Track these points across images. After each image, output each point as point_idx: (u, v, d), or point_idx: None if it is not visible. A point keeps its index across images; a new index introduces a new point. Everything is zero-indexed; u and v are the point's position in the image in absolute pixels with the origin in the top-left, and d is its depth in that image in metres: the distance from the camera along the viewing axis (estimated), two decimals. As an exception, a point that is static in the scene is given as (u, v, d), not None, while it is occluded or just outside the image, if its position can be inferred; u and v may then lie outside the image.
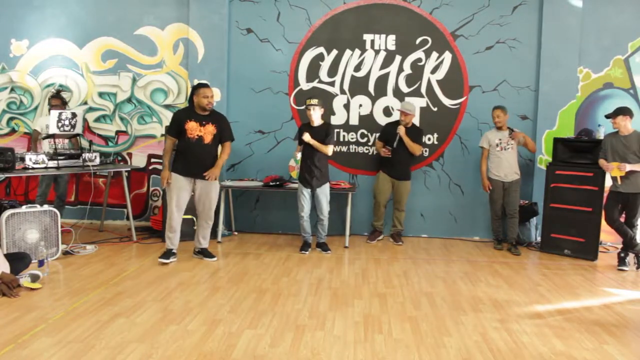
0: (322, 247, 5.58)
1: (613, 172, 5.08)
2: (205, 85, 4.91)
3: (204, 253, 5.13)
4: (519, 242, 5.89)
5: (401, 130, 5.73)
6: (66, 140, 5.96)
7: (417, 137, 5.87)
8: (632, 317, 3.83)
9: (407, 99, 6.22)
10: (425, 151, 6.28)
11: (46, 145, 5.78)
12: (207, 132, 4.85)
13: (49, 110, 6.03)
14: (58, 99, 6.04)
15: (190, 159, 4.84)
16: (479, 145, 5.92)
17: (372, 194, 6.17)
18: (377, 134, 6.22)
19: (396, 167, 5.92)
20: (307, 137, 5.28)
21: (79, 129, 5.59)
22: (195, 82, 6.28)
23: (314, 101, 5.33)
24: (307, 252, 5.48)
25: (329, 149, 5.36)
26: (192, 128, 4.81)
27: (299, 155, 5.44)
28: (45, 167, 5.19)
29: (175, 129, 4.86)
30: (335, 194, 5.85)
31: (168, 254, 4.95)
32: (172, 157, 4.96)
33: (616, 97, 6.14)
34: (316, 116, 5.35)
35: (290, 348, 3.15)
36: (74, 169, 5.44)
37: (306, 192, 5.43)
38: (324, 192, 5.46)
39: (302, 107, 6.25)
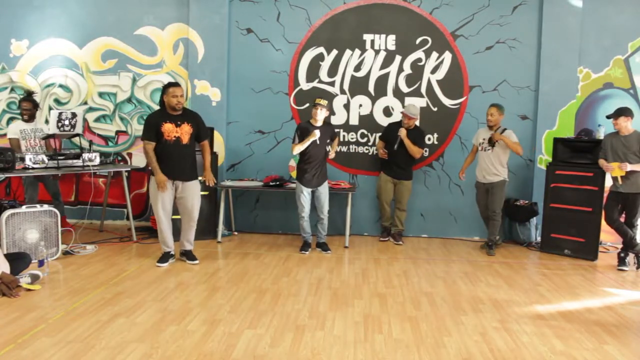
0: (322, 247, 5.58)
1: (614, 172, 5.06)
2: (174, 85, 4.78)
3: (187, 255, 5.04)
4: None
5: (402, 133, 5.71)
6: (40, 143, 5.85)
7: (419, 139, 5.86)
8: (632, 317, 3.83)
9: (409, 100, 6.22)
10: (426, 151, 6.27)
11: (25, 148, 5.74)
12: (184, 133, 4.77)
13: (21, 114, 5.89)
14: (29, 102, 5.82)
15: (170, 161, 4.75)
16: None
17: (372, 194, 6.18)
18: (378, 134, 6.23)
19: (396, 168, 5.92)
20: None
21: (79, 129, 5.60)
22: (196, 82, 6.35)
23: (324, 102, 5.38)
24: (307, 252, 5.49)
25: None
26: (169, 130, 4.71)
27: (318, 133, 5.28)
28: (45, 167, 5.19)
29: (153, 132, 4.72)
30: (335, 194, 5.85)
31: (165, 257, 4.94)
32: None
33: (616, 97, 6.14)
34: (321, 116, 5.37)
35: (290, 348, 3.15)
36: (73, 169, 5.44)
37: (307, 192, 5.43)
38: (324, 191, 5.48)
39: (302, 107, 6.29)
